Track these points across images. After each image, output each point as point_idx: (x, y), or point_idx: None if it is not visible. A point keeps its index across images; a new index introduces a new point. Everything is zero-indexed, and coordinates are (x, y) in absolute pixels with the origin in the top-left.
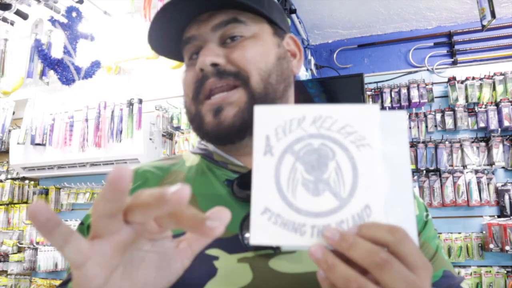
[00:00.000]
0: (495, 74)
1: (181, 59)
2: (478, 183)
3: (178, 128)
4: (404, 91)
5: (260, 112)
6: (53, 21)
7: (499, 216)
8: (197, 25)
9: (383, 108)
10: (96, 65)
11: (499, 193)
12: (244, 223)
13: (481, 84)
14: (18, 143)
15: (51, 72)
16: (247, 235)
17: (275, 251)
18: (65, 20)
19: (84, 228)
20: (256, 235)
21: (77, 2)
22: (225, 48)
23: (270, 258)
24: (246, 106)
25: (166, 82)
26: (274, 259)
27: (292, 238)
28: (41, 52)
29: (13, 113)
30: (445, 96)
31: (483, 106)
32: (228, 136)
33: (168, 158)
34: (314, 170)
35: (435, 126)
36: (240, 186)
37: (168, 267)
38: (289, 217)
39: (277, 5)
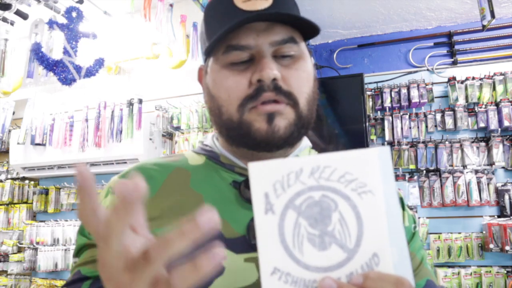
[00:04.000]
0: (495, 74)
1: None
2: (478, 183)
3: (178, 128)
4: (404, 91)
5: (256, 169)
6: (51, 24)
7: (499, 216)
8: (255, 35)
9: (383, 108)
10: (99, 63)
11: (499, 193)
12: (250, 224)
13: (481, 84)
14: (18, 143)
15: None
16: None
17: None
18: (64, 21)
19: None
20: None
21: (77, 2)
22: (278, 63)
23: None
24: (295, 123)
25: (166, 82)
26: None
27: None
28: (38, 54)
29: (13, 113)
30: (445, 96)
31: (483, 106)
32: (276, 145)
33: (169, 156)
34: (318, 223)
35: (435, 126)
36: (247, 188)
37: None
38: (299, 275)
39: None
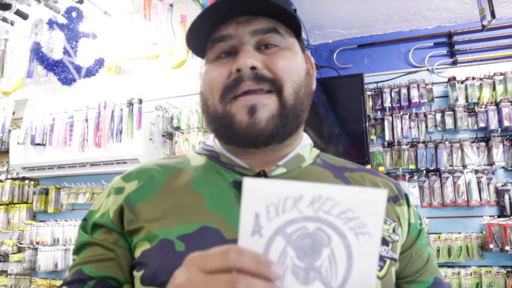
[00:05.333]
0: (495, 74)
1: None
2: (478, 183)
3: (178, 128)
4: (404, 91)
5: (251, 185)
6: (51, 23)
7: (499, 216)
8: (235, 25)
9: (383, 108)
10: (99, 63)
11: (499, 193)
12: None
13: (481, 84)
14: (18, 143)
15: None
16: None
17: None
18: (64, 21)
19: (88, 225)
20: None
21: (77, 2)
22: (261, 54)
23: None
24: (278, 113)
25: (166, 82)
26: None
27: None
28: (38, 54)
29: (13, 113)
30: (445, 96)
31: (483, 106)
32: (258, 140)
33: (171, 157)
34: (306, 256)
35: (435, 126)
36: None
37: None
38: None
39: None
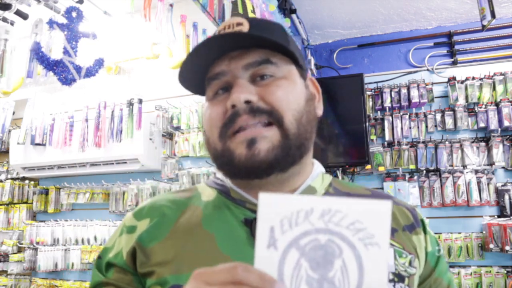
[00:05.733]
0: (495, 74)
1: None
2: (478, 183)
3: (178, 128)
4: (404, 91)
5: (267, 200)
6: (51, 23)
7: (499, 216)
8: (227, 61)
9: (383, 108)
10: (99, 63)
11: (499, 193)
12: None
13: (481, 84)
14: (18, 143)
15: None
16: None
17: None
18: (64, 21)
19: (102, 263)
20: None
21: (77, 2)
22: (256, 86)
23: None
24: (280, 144)
25: (166, 82)
26: None
27: None
28: (38, 54)
29: (13, 113)
30: (445, 96)
31: (483, 106)
32: (259, 170)
33: (183, 191)
34: (319, 267)
35: (435, 126)
36: None
37: None
38: None
39: (298, 47)
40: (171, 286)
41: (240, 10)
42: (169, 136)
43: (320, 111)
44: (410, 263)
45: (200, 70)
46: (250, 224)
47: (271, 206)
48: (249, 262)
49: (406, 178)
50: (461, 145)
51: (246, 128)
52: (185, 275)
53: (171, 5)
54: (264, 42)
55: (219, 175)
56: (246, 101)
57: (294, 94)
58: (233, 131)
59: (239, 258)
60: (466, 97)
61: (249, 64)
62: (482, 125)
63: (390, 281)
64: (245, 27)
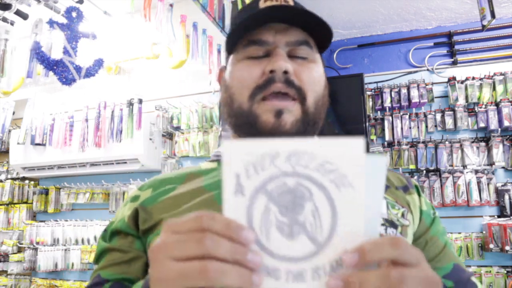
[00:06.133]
0: (495, 74)
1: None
2: (478, 183)
3: (178, 128)
4: (404, 91)
5: (229, 147)
6: (51, 23)
7: (499, 216)
8: (274, 33)
9: (383, 108)
10: (98, 63)
11: (499, 193)
12: None
13: (481, 84)
14: (18, 143)
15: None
16: None
17: None
18: (64, 21)
19: (107, 234)
20: None
21: (77, 2)
22: (292, 61)
23: None
24: (301, 119)
25: (166, 82)
26: None
27: (267, 283)
28: (38, 54)
29: (13, 113)
30: (445, 96)
31: (483, 106)
32: None
33: (185, 168)
34: (288, 211)
35: (435, 126)
36: None
37: None
38: (262, 262)
39: None
40: None
41: None
42: (169, 136)
43: (327, 100)
44: (402, 215)
45: (242, 30)
46: None
47: (234, 152)
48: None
49: None
50: (461, 145)
51: (276, 97)
52: None
53: (171, 5)
54: (309, 21)
55: (220, 148)
56: (285, 71)
57: (319, 79)
58: (264, 95)
59: (216, 193)
60: (466, 97)
61: (291, 42)
62: (482, 125)
63: (382, 225)
64: (291, 3)
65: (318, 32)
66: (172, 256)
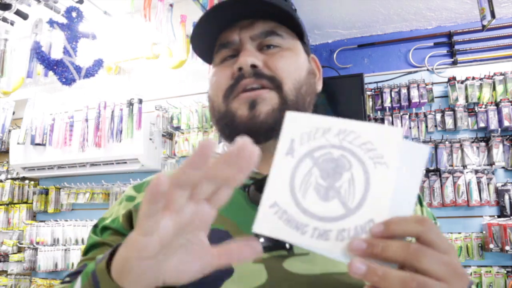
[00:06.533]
0: (495, 74)
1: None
2: (478, 183)
3: (178, 128)
4: (404, 91)
5: (291, 116)
6: (51, 23)
7: (499, 216)
8: (238, 30)
9: (383, 108)
10: (98, 64)
11: (499, 193)
12: None
13: (481, 84)
14: (18, 143)
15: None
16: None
17: (289, 252)
18: (64, 20)
19: (98, 229)
20: (260, 225)
21: (77, 2)
22: (262, 54)
23: (284, 259)
24: (278, 107)
25: (166, 82)
26: (289, 260)
27: (292, 235)
28: (39, 54)
29: (13, 113)
30: (445, 96)
31: (483, 106)
32: (259, 132)
33: None
34: (328, 177)
35: (435, 126)
36: (256, 190)
37: (199, 262)
38: (294, 215)
39: (303, 23)
40: None
41: None
42: (169, 136)
43: (319, 87)
44: None
45: (211, 37)
46: (248, 189)
47: (295, 121)
48: (246, 222)
49: None
50: (461, 145)
51: (249, 91)
52: None
53: (171, 5)
54: (273, 11)
55: (219, 150)
56: (252, 65)
57: (297, 65)
58: (237, 92)
59: (236, 220)
60: (466, 97)
61: (257, 35)
62: (482, 125)
63: None
64: None
65: (284, 19)
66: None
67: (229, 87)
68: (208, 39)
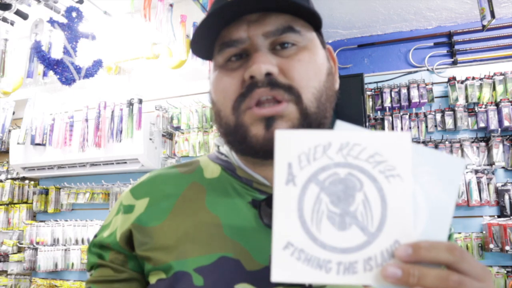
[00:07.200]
0: (495, 74)
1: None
2: (478, 183)
3: (178, 128)
4: (404, 91)
5: (282, 137)
6: (52, 22)
7: (499, 216)
8: (246, 27)
9: (383, 108)
10: (98, 64)
11: (499, 193)
12: None
13: (481, 84)
14: (18, 143)
15: (51, 72)
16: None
17: (306, 285)
18: (65, 20)
19: (97, 243)
20: (278, 272)
21: (77, 2)
22: (277, 56)
23: None
24: (298, 122)
25: (166, 82)
26: None
27: (317, 275)
28: (39, 53)
29: (13, 113)
30: (445, 96)
31: (483, 106)
32: None
33: (184, 165)
34: (340, 202)
35: (435, 126)
36: (269, 207)
37: None
38: (313, 253)
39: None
40: (176, 272)
41: None
42: (169, 136)
43: (337, 84)
44: None
45: (212, 33)
46: (259, 206)
47: (287, 142)
48: (260, 249)
49: None
50: (461, 145)
51: (263, 103)
52: (190, 260)
53: (171, 5)
54: (287, 5)
55: (223, 149)
56: (266, 73)
57: (316, 69)
58: (248, 105)
59: (247, 245)
60: (466, 97)
61: (270, 32)
62: (482, 125)
63: None
64: None
65: (302, 11)
66: None
67: (239, 96)
68: (210, 35)
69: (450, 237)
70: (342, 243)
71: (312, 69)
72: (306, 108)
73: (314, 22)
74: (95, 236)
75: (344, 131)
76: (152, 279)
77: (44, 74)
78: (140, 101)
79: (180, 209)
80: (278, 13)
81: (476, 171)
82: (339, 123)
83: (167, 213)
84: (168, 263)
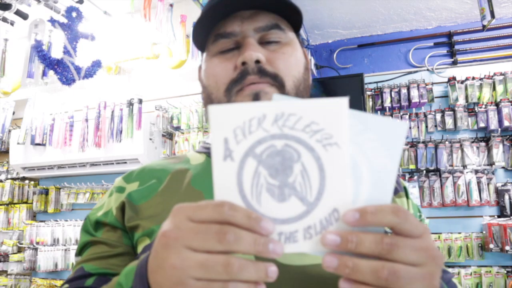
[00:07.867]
0: (495, 74)
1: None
2: (478, 183)
3: (178, 128)
4: (404, 91)
5: (216, 112)
6: (52, 21)
7: (499, 216)
8: (240, 22)
9: (383, 108)
10: (97, 64)
11: (499, 193)
12: None
13: (481, 84)
14: (18, 143)
15: (51, 72)
16: None
17: None
18: (65, 20)
19: (89, 223)
20: None
21: (77, 2)
22: (264, 49)
23: None
24: None
25: (166, 82)
26: None
27: None
28: (40, 52)
29: (13, 113)
30: (445, 96)
31: (483, 106)
32: None
33: (172, 157)
34: (278, 174)
35: (435, 126)
36: None
37: None
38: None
39: None
40: None
41: None
42: (169, 136)
43: (310, 80)
44: None
45: (208, 26)
46: None
47: (221, 117)
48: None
49: (406, 178)
50: (461, 145)
51: (252, 84)
52: None
53: (171, 5)
54: (279, 4)
55: (209, 140)
56: (256, 61)
57: (297, 62)
58: (240, 87)
59: (205, 190)
60: (466, 97)
61: (260, 27)
62: (482, 125)
63: None
64: None
65: (288, 12)
66: (190, 246)
67: (231, 80)
68: (206, 29)
69: (420, 219)
70: (282, 214)
71: (293, 61)
72: (287, 92)
73: (296, 24)
74: (87, 216)
75: (279, 101)
76: (139, 248)
77: (44, 74)
78: (140, 101)
79: (167, 188)
80: (267, 12)
81: (476, 171)
82: (275, 96)
83: (154, 192)
84: (151, 228)
